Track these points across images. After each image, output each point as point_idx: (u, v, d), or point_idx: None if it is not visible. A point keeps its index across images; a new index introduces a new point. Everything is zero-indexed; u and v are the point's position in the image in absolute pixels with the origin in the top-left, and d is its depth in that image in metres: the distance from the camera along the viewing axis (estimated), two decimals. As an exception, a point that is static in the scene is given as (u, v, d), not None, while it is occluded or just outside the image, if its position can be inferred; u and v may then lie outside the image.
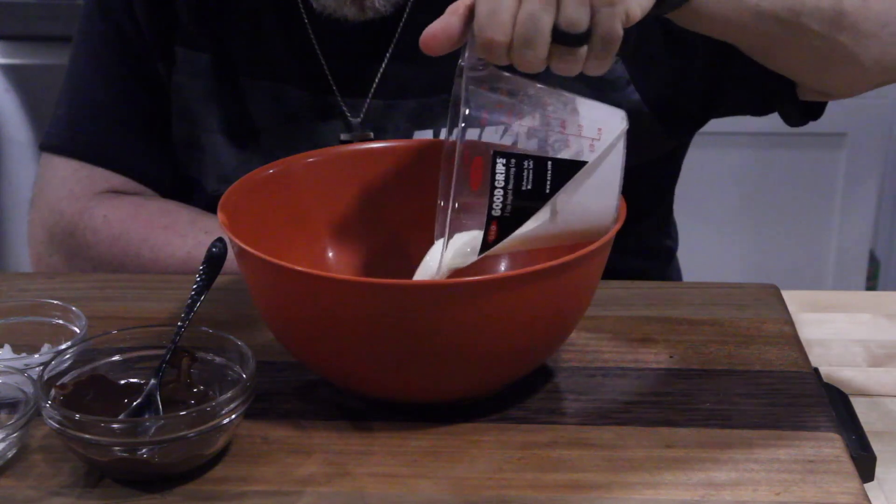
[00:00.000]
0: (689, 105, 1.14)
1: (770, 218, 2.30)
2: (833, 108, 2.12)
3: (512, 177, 0.80)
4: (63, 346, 0.90)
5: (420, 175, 1.01)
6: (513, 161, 0.80)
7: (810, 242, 2.15)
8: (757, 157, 2.26)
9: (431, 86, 1.13)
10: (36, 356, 0.91)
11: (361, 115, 1.16)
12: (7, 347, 0.93)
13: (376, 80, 1.15)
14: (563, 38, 0.79)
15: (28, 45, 2.13)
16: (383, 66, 1.15)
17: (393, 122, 1.16)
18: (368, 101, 1.16)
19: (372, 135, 1.15)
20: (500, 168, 0.79)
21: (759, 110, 1.13)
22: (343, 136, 1.16)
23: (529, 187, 0.80)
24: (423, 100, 1.15)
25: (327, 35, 1.15)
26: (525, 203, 0.80)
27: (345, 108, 1.16)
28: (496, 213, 0.80)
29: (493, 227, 0.81)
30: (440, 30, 0.81)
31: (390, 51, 1.14)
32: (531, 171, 0.80)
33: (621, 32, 0.81)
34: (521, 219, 0.81)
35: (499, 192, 0.80)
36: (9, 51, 2.15)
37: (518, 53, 0.80)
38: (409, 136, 1.15)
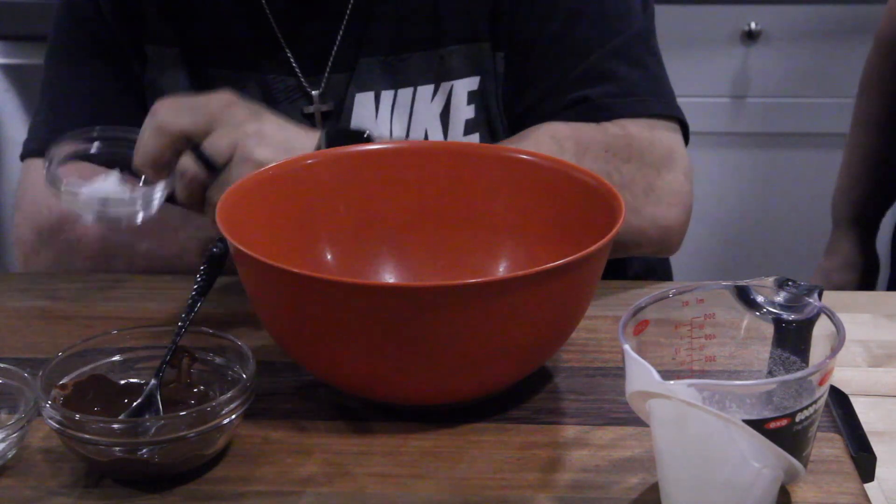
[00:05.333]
0: None
1: (770, 218, 2.30)
2: (833, 108, 2.11)
3: None
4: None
5: (419, 176, 1.01)
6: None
7: (810, 243, 2.14)
8: (757, 157, 2.26)
9: (394, 47, 1.18)
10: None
11: (321, 89, 1.20)
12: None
13: (332, 57, 1.19)
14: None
15: (28, 45, 2.13)
16: (338, 40, 1.18)
17: (350, 92, 1.20)
18: (326, 76, 1.19)
19: (332, 105, 1.20)
20: None
21: None
22: (305, 110, 1.20)
23: None
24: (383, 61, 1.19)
25: (285, 16, 1.18)
26: None
27: (307, 87, 1.20)
28: None
29: None
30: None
31: (343, 24, 1.18)
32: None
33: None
34: None
35: None
36: (9, 51, 2.15)
37: None
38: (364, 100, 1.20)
